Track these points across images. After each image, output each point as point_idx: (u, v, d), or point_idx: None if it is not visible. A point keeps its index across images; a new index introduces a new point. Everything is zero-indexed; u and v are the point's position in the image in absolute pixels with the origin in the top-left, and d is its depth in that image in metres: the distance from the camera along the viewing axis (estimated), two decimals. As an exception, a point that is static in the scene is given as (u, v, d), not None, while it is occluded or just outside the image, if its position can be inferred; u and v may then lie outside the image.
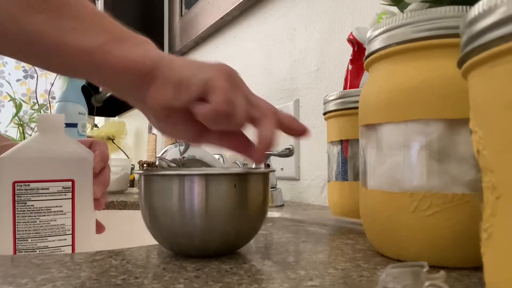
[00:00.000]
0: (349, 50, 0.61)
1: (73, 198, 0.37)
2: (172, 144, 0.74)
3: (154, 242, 0.36)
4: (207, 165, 0.72)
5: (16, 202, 0.35)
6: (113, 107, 2.04)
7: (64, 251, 0.37)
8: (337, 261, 0.31)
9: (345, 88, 0.58)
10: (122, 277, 0.27)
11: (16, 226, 0.35)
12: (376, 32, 0.33)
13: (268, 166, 0.76)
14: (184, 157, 0.70)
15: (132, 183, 1.38)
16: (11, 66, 2.74)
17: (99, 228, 0.44)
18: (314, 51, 0.82)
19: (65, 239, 0.37)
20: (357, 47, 0.57)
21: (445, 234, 0.29)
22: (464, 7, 0.30)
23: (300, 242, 0.39)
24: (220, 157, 0.81)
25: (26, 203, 0.35)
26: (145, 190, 0.33)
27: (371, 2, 0.69)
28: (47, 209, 0.36)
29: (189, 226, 0.31)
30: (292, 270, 0.29)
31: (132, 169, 1.30)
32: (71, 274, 0.28)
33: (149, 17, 1.58)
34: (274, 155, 0.74)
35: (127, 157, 1.43)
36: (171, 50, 1.47)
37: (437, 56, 0.30)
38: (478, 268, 0.28)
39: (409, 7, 0.35)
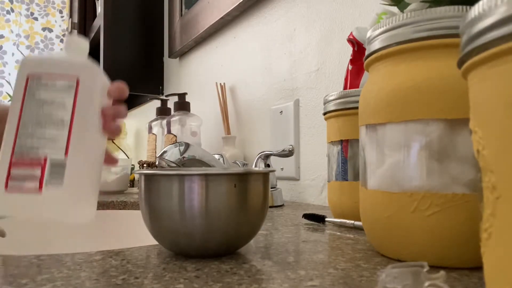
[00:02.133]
0: (349, 50, 0.61)
1: (75, 95, 0.39)
2: (172, 144, 0.74)
3: (154, 242, 0.36)
4: (207, 165, 0.72)
5: (25, 95, 0.38)
6: (113, 107, 2.04)
7: (60, 143, 0.38)
8: (337, 261, 0.31)
9: (345, 88, 0.58)
10: (122, 277, 0.27)
11: (22, 114, 0.38)
12: (376, 32, 0.33)
13: (268, 166, 0.76)
14: (184, 157, 0.70)
15: (132, 183, 1.38)
16: (11, 66, 2.74)
17: (112, 160, 0.41)
18: (314, 51, 0.82)
19: (62, 130, 0.39)
20: (357, 47, 0.57)
21: (445, 234, 0.29)
22: (464, 7, 0.30)
23: (300, 242, 0.39)
24: (220, 157, 0.81)
25: (34, 95, 0.39)
26: (145, 190, 0.33)
27: (371, 2, 0.69)
28: (51, 102, 0.39)
29: (189, 226, 0.31)
30: (292, 270, 0.29)
31: (132, 169, 1.30)
32: (71, 274, 0.28)
33: (149, 17, 1.58)
34: (274, 155, 0.74)
35: (127, 157, 1.43)
36: (171, 50, 1.47)
37: (437, 56, 0.30)
38: (478, 268, 0.28)
39: (409, 7, 0.35)
